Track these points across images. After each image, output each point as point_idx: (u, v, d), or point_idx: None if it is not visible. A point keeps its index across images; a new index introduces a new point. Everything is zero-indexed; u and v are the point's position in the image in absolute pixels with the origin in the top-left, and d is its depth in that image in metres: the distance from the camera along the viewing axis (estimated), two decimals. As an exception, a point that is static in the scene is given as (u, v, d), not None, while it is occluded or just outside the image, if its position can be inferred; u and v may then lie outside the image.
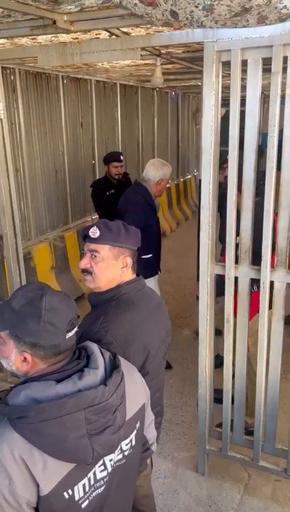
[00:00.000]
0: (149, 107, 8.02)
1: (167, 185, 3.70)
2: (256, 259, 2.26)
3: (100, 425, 1.13)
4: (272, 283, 2.27)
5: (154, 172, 3.43)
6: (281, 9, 1.80)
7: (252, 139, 2.14)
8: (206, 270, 2.37)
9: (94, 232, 1.54)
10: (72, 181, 5.75)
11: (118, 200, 3.80)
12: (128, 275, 1.62)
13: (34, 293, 1.18)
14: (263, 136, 2.22)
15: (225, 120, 2.19)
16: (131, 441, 1.30)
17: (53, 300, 1.17)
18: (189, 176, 10.39)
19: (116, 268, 1.58)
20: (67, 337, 1.17)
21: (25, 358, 1.18)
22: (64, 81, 5.40)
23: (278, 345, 2.35)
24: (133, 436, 1.31)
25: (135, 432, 1.32)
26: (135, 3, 1.91)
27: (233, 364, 2.47)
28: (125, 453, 1.29)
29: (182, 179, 9.81)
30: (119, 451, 1.27)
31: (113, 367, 1.24)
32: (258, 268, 2.26)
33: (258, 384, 2.42)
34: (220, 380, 2.55)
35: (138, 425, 1.34)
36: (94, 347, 1.26)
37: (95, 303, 1.62)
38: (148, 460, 1.92)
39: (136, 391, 1.33)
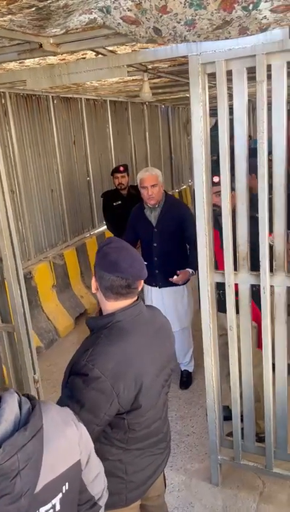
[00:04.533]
0: (140, 121, 8.10)
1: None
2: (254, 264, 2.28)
3: None
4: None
5: None
6: (261, 19, 1.84)
7: (242, 146, 2.17)
8: (206, 279, 2.38)
9: None
10: (68, 199, 5.79)
11: (124, 212, 3.82)
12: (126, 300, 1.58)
13: None
14: (253, 143, 2.24)
15: (214, 129, 2.23)
16: (54, 506, 1.13)
17: None
18: (184, 186, 10.45)
19: None
20: None
21: None
22: (55, 102, 5.47)
23: (282, 350, 2.35)
24: (56, 501, 1.13)
25: (59, 495, 1.14)
26: (119, 23, 1.95)
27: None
28: None
29: (177, 190, 9.86)
30: None
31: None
32: (257, 274, 2.27)
33: (266, 390, 2.41)
34: (228, 388, 2.54)
35: (65, 487, 1.15)
36: (9, 398, 1.07)
37: (92, 327, 1.60)
38: (162, 479, 1.88)
39: (64, 449, 1.16)
